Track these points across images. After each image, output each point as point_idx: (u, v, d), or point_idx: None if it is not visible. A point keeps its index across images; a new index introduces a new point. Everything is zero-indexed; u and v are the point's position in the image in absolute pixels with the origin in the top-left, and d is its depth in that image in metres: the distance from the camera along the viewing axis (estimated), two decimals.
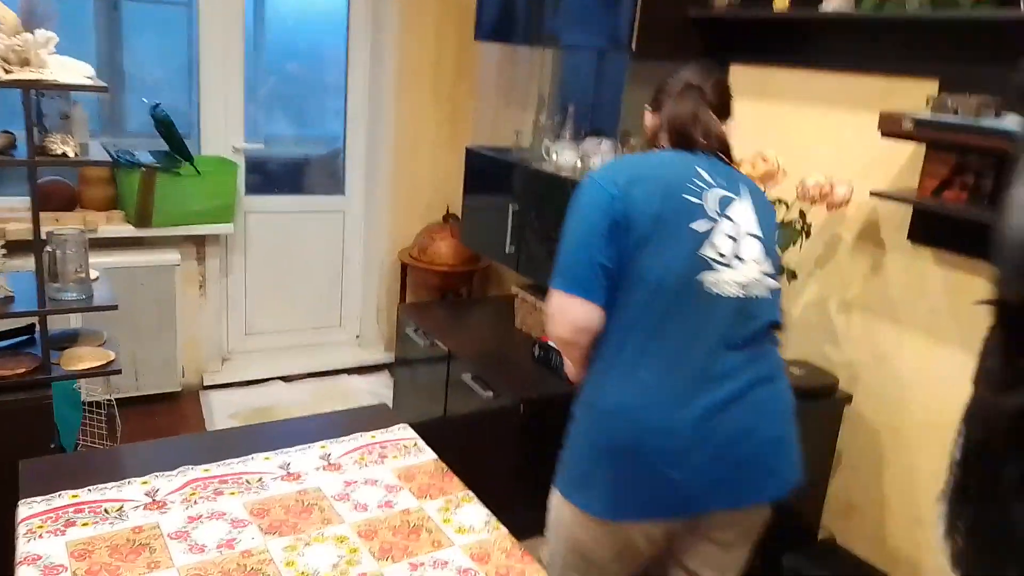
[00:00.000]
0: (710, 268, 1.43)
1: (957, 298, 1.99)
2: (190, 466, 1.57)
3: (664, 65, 2.64)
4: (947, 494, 0.49)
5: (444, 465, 1.67)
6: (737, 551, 1.59)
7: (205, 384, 3.65)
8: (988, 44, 1.85)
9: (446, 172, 3.94)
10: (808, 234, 2.20)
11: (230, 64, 3.49)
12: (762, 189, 1.62)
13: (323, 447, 1.71)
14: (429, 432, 3.03)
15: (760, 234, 1.49)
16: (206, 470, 1.57)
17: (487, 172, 3.25)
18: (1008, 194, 0.40)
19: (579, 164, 2.77)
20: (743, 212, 1.48)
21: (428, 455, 1.71)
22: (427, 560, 1.35)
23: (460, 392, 2.88)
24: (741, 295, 1.44)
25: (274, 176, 3.94)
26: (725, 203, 1.47)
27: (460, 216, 3.54)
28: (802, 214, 2.19)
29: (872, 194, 2.00)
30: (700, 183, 1.47)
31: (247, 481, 1.55)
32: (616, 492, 1.47)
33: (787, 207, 2.20)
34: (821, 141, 2.29)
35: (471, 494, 1.59)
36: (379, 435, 1.78)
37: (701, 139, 1.54)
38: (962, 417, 0.48)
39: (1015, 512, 0.42)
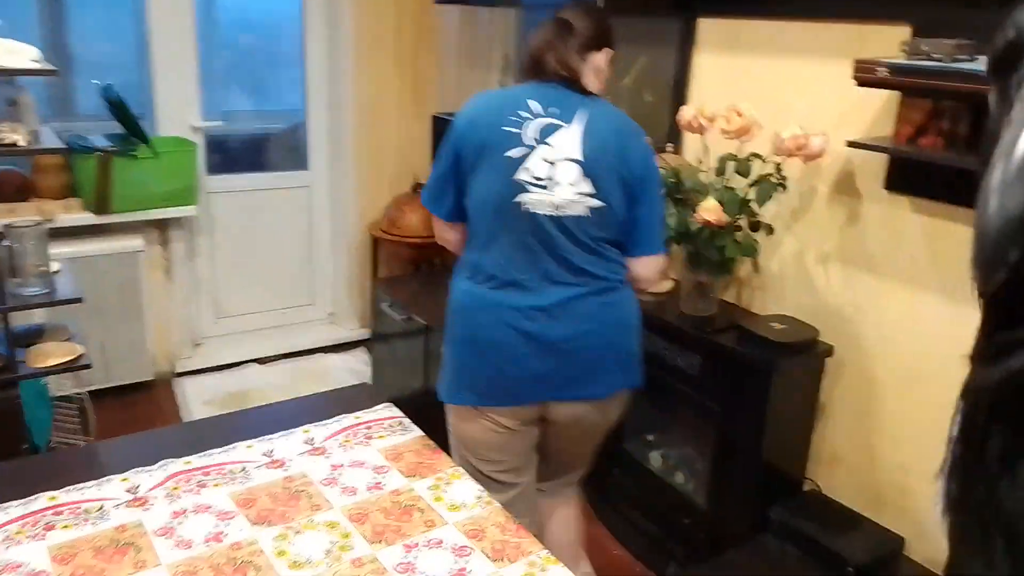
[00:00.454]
0: (525, 190, 1.64)
1: (936, 245, 1.99)
2: (171, 459, 1.52)
3: (633, 19, 2.60)
4: (944, 471, 0.47)
5: (431, 442, 1.64)
6: (581, 444, 1.91)
7: (178, 371, 3.58)
8: None
9: (411, 141, 3.87)
10: (784, 187, 2.18)
11: (182, 40, 3.36)
12: (616, 114, 1.75)
13: (306, 431, 1.67)
14: (411, 407, 3.00)
15: (581, 158, 1.64)
16: (187, 462, 1.52)
17: None
18: (984, 179, 0.37)
19: None
20: (566, 139, 1.65)
21: (414, 432, 1.68)
22: (421, 540, 1.33)
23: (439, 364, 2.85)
24: (555, 214, 1.64)
25: (235, 154, 3.84)
26: (548, 131, 1.65)
27: None
28: (778, 167, 2.17)
29: (848, 144, 1.98)
30: (525, 114, 1.66)
31: (230, 471, 1.51)
32: (467, 382, 1.77)
33: (763, 161, 2.18)
34: (795, 92, 2.26)
35: (460, 470, 1.56)
36: (363, 415, 1.74)
37: (551, 69, 1.70)
38: (959, 393, 0.46)
39: (1001, 488, 0.41)
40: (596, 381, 1.74)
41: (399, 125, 3.86)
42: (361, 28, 3.65)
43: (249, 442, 1.61)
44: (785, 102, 2.27)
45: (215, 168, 3.65)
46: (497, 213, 1.67)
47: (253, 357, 3.75)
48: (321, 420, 1.71)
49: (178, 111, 3.43)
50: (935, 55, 1.72)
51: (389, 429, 1.69)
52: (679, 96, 2.61)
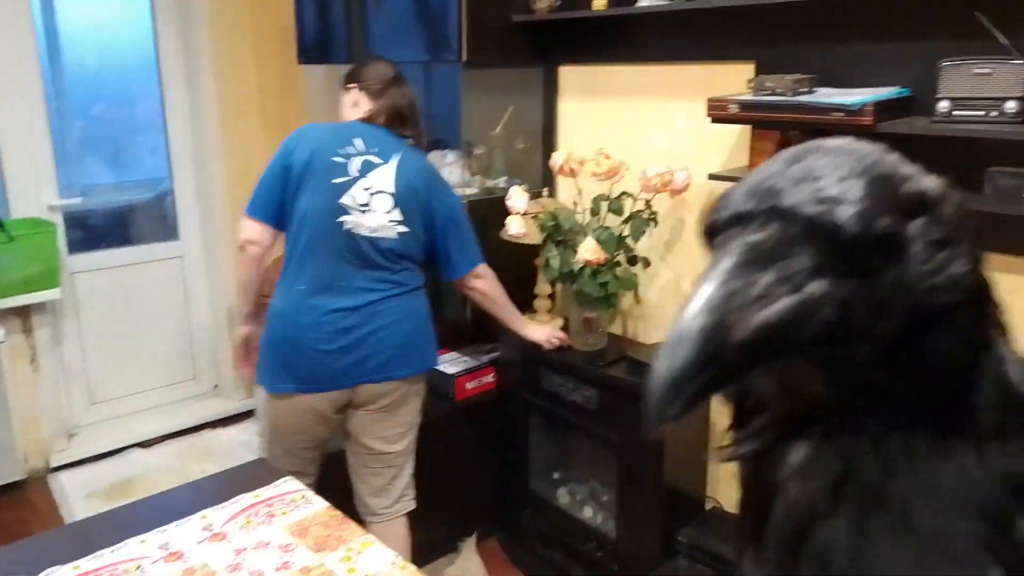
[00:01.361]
0: (347, 213, 2.00)
1: None
2: (55, 567, 1.41)
3: (496, 71, 2.68)
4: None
5: (338, 512, 1.60)
6: (389, 420, 2.16)
7: (52, 466, 3.33)
8: (796, 24, 1.99)
9: None
10: (656, 222, 2.29)
11: (31, 113, 3.17)
12: (423, 159, 2.16)
13: (204, 517, 1.59)
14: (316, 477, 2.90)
15: (393, 191, 2.03)
16: (75, 567, 1.42)
17: None
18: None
19: None
20: (383, 175, 2.03)
21: (319, 504, 1.63)
22: None
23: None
24: (369, 235, 2.01)
25: (99, 229, 3.65)
26: (368, 167, 2.02)
27: None
28: (648, 204, 2.27)
29: (710, 176, 2.10)
30: (351, 149, 2.03)
31: (124, 571, 1.42)
32: (287, 372, 2.04)
33: (633, 199, 2.27)
34: (657, 131, 2.38)
35: (371, 537, 1.53)
36: (263, 492, 1.68)
37: (383, 118, 2.10)
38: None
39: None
40: (401, 364, 2.10)
41: None
42: (223, 91, 3.58)
43: (142, 536, 1.52)
44: (648, 141, 2.39)
45: (78, 246, 3.45)
46: (320, 228, 2.00)
47: (135, 441, 3.54)
48: (218, 503, 1.64)
49: (32, 190, 3.24)
50: (778, 90, 1.86)
51: (292, 504, 1.64)
52: (549, 142, 2.70)
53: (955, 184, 1.59)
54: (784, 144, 2.00)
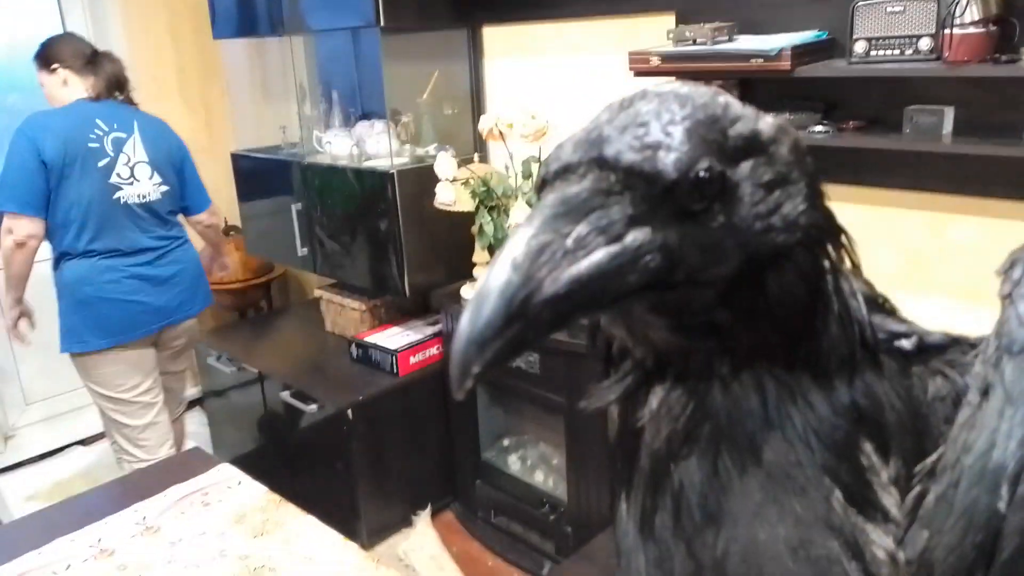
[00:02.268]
0: (119, 189, 2.29)
1: None
2: None
3: (418, 35, 2.62)
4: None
5: (276, 496, 1.57)
6: (184, 353, 2.65)
7: None
8: None
9: (215, 182, 3.66)
10: None
11: None
12: (155, 118, 2.46)
13: (136, 510, 1.54)
14: (259, 462, 2.88)
15: (148, 159, 2.34)
16: None
17: (259, 174, 3.07)
18: None
19: (355, 150, 2.67)
20: (133, 147, 2.32)
21: (257, 490, 1.60)
22: None
23: (281, 412, 2.74)
24: (142, 201, 2.34)
25: None
26: (118, 143, 2.29)
27: (241, 226, 3.33)
28: None
29: None
30: (99, 131, 2.26)
31: (53, 573, 1.37)
32: (101, 331, 2.32)
33: None
34: (582, 89, 2.35)
35: (311, 519, 1.49)
36: (198, 482, 1.63)
37: (106, 92, 2.34)
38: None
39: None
40: (192, 303, 2.48)
41: (199, 168, 3.66)
42: (140, 72, 3.42)
43: (72, 535, 1.47)
44: (576, 99, 2.36)
45: None
46: (102, 209, 2.26)
47: (75, 439, 3.43)
48: (152, 495, 1.59)
49: None
50: (698, 39, 1.84)
51: (228, 491, 1.59)
52: (478, 106, 2.65)
53: (875, 123, 1.57)
54: None
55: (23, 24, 3.42)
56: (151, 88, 3.47)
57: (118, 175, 2.28)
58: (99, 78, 2.32)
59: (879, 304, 0.54)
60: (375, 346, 2.66)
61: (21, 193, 2.19)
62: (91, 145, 2.24)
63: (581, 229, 0.43)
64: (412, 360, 2.64)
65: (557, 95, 2.38)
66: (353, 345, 2.73)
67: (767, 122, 0.49)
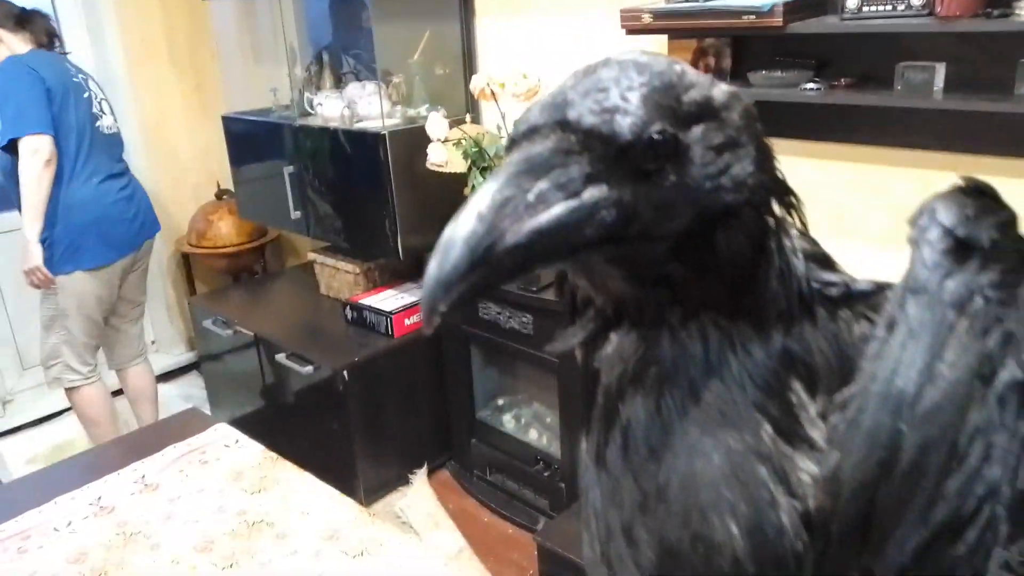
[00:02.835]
0: (99, 118, 2.63)
1: None
2: None
3: None
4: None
5: (273, 454, 1.59)
6: (146, 273, 2.91)
7: None
8: None
9: (207, 146, 3.67)
10: None
11: None
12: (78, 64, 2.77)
13: (135, 469, 1.57)
14: (256, 424, 2.91)
15: (103, 97, 2.71)
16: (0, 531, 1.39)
17: (252, 137, 3.05)
18: None
19: (347, 112, 2.66)
20: (92, 86, 2.67)
21: (254, 448, 1.62)
22: (275, 555, 1.29)
23: (278, 374, 2.76)
24: (110, 132, 2.69)
25: (4, 190, 3.47)
26: (85, 80, 2.64)
27: (234, 190, 3.32)
28: None
29: None
30: (71, 68, 2.62)
31: (54, 529, 1.39)
32: (105, 246, 2.61)
33: None
34: (574, 48, 2.33)
35: (307, 476, 1.52)
36: (195, 441, 1.66)
37: (47, 44, 2.61)
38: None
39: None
40: (153, 223, 2.81)
41: (191, 132, 3.65)
42: (129, 35, 3.40)
43: (72, 493, 1.50)
44: (568, 58, 2.34)
45: None
46: (92, 134, 2.58)
47: None
48: (151, 454, 1.61)
49: None
50: None
51: (226, 449, 1.62)
52: (470, 66, 2.63)
53: (866, 81, 1.57)
54: (702, 52, 1.98)
55: None
56: (140, 51, 3.45)
57: (98, 106, 2.63)
58: (35, 33, 2.55)
59: (820, 260, 0.57)
60: (370, 308, 2.67)
61: (39, 114, 2.41)
62: (74, 79, 2.57)
63: (542, 185, 0.46)
64: (407, 322, 2.66)
65: (549, 54, 2.37)
66: (348, 308, 2.74)
67: (721, 89, 0.53)
